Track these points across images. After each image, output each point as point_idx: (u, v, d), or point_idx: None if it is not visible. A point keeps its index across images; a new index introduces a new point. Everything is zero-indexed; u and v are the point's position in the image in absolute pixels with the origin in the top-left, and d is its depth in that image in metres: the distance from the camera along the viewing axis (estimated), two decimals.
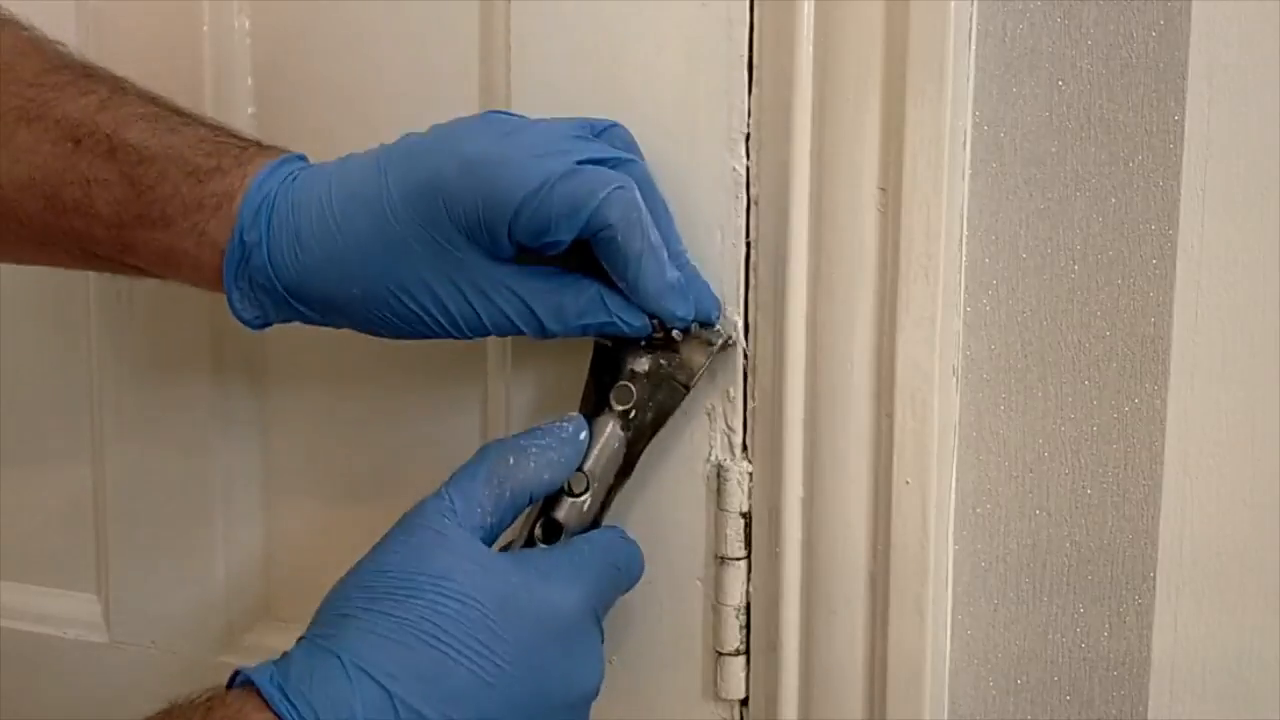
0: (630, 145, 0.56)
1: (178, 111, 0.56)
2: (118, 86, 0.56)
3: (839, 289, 0.56)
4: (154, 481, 0.73)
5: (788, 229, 0.56)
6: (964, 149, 0.54)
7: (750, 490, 0.59)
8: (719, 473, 0.59)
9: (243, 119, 0.67)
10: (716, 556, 0.60)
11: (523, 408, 0.63)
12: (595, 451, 0.56)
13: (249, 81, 0.67)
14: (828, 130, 0.55)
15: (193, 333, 0.70)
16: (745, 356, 0.59)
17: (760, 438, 0.59)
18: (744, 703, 0.61)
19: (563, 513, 0.55)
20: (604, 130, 0.55)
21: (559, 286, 0.53)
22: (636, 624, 0.61)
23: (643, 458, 0.57)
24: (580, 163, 0.51)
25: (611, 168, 0.53)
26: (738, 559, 0.60)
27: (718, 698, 0.61)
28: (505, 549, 0.55)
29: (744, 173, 0.58)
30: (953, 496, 0.56)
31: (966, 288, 0.55)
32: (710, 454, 0.60)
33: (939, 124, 0.53)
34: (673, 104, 0.58)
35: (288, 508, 0.71)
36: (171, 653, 0.74)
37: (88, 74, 0.56)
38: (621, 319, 0.54)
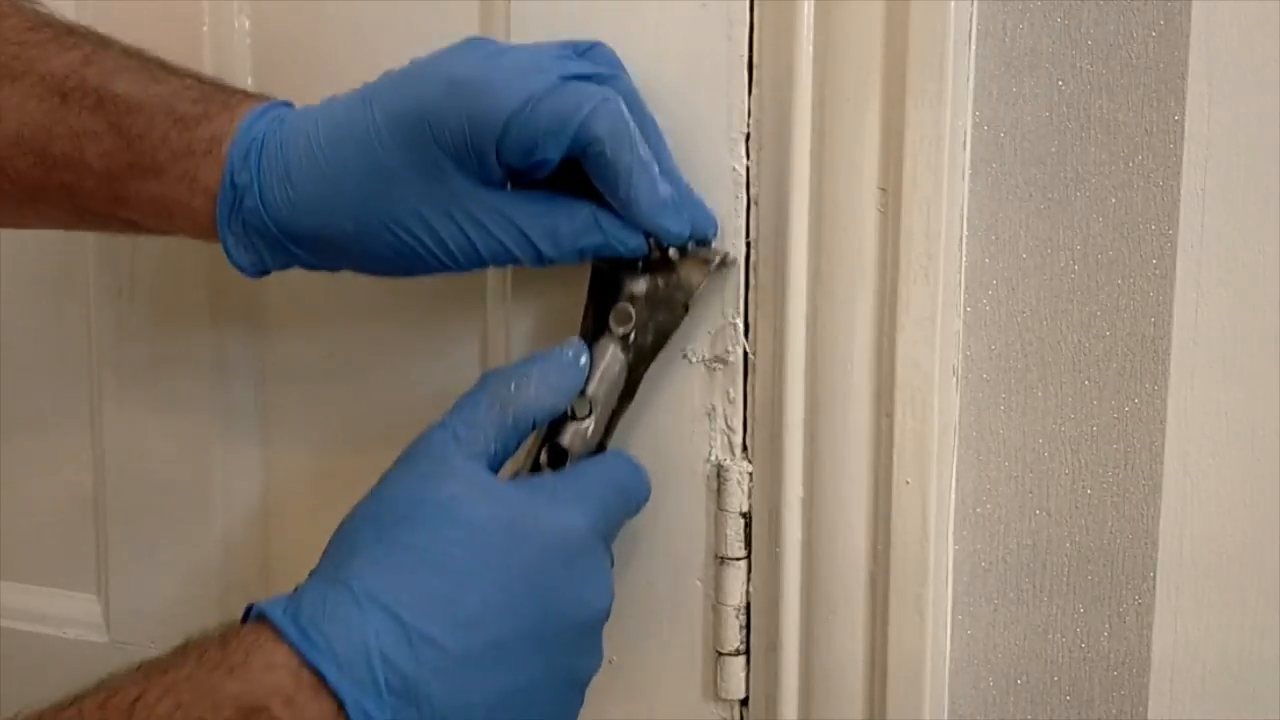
0: (614, 62, 0.56)
1: (162, 64, 0.56)
2: (101, 41, 0.56)
3: (839, 289, 0.56)
4: (154, 481, 0.73)
5: (788, 229, 0.56)
6: (964, 149, 0.54)
7: (750, 490, 0.59)
8: (719, 473, 0.59)
9: None
10: (716, 556, 0.60)
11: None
12: (597, 375, 0.55)
13: (249, 81, 0.67)
14: (828, 130, 0.55)
15: (194, 330, 0.70)
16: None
17: (760, 438, 0.59)
18: (744, 703, 0.61)
19: (567, 438, 0.55)
20: (588, 50, 0.55)
21: (552, 210, 0.53)
22: (636, 624, 0.61)
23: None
24: (565, 79, 0.51)
25: (598, 84, 0.52)
26: (738, 559, 0.60)
27: (718, 698, 0.61)
28: (511, 478, 0.55)
29: (744, 173, 0.58)
30: (953, 496, 0.57)
31: (966, 288, 0.55)
32: (710, 454, 0.60)
33: (939, 124, 0.53)
34: (673, 104, 0.58)
35: (288, 506, 0.71)
36: None
37: (70, 30, 0.56)
38: (617, 239, 0.53)
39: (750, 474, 0.59)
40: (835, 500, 0.57)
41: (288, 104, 0.56)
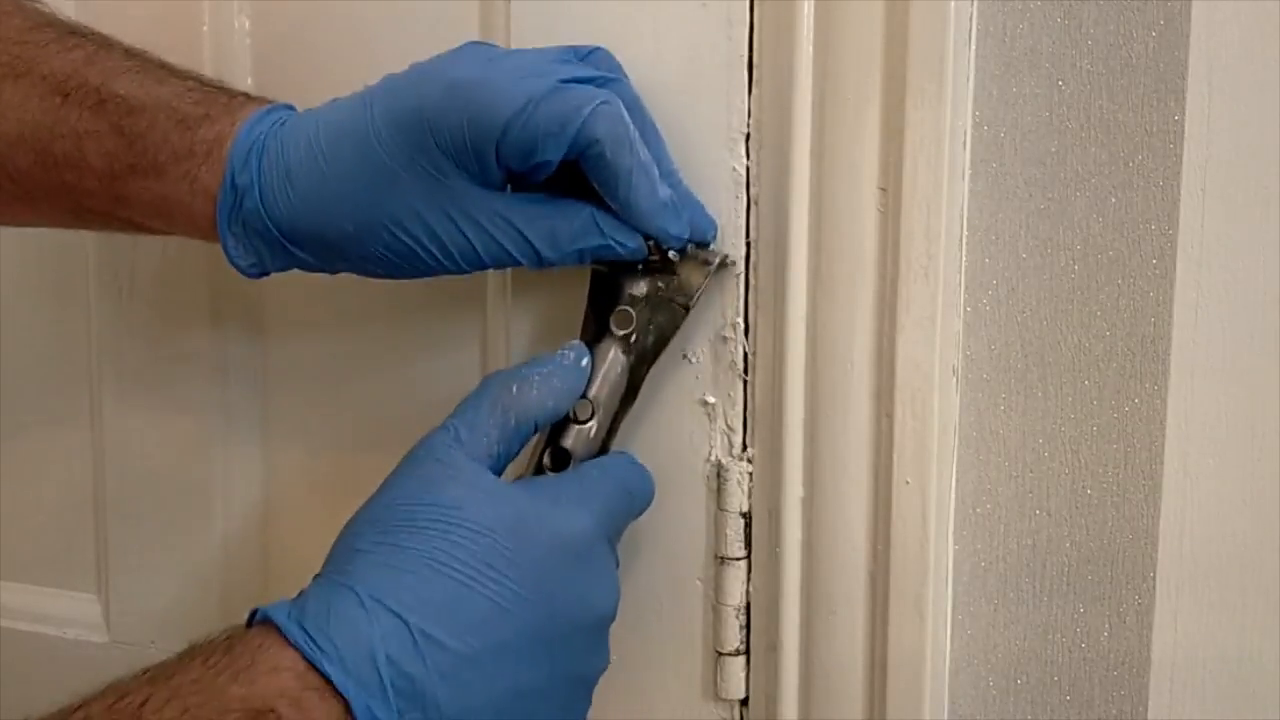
0: (615, 67, 0.56)
1: (164, 65, 0.56)
2: (103, 42, 0.56)
3: (839, 289, 0.56)
4: (154, 481, 0.73)
5: (788, 229, 0.56)
6: (964, 149, 0.54)
7: (750, 490, 0.59)
8: (719, 473, 0.59)
9: None
10: (716, 556, 0.60)
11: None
12: (598, 377, 0.55)
13: (249, 81, 0.67)
14: (828, 130, 0.55)
15: (194, 330, 0.70)
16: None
17: (760, 438, 0.59)
18: (744, 703, 0.61)
19: (570, 440, 0.55)
20: (588, 54, 0.55)
21: (551, 211, 0.53)
22: (636, 624, 0.61)
23: (644, 398, 0.57)
24: (565, 82, 0.51)
25: (598, 87, 0.52)
26: (738, 559, 0.60)
27: (718, 698, 0.61)
28: (515, 480, 0.55)
29: (744, 173, 0.58)
30: (953, 496, 0.56)
31: (966, 288, 0.55)
32: (710, 454, 0.60)
33: (939, 124, 0.53)
34: (673, 104, 0.58)
35: (288, 506, 0.71)
36: (171, 653, 0.73)
37: (72, 31, 0.56)
38: (616, 240, 0.53)
39: (750, 474, 0.59)
40: (835, 500, 0.57)
41: (289, 107, 0.56)
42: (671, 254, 0.55)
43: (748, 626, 0.60)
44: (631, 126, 0.52)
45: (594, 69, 0.54)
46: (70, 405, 0.75)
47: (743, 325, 0.59)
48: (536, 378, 0.54)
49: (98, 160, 0.54)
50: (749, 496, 0.59)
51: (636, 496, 0.56)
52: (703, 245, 0.56)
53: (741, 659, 0.60)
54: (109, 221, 0.57)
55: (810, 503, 0.58)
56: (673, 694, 0.62)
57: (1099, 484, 0.55)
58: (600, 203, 0.53)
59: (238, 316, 0.70)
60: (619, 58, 0.58)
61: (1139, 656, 0.55)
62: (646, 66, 0.58)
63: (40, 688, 0.77)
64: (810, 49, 0.55)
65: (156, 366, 0.72)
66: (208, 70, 0.67)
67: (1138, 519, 0.55)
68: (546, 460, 0.55)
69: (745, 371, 0.59)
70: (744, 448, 0.60)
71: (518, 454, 0.54)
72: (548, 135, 0.50)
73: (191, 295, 0.70)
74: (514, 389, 0.53)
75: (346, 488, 0.69)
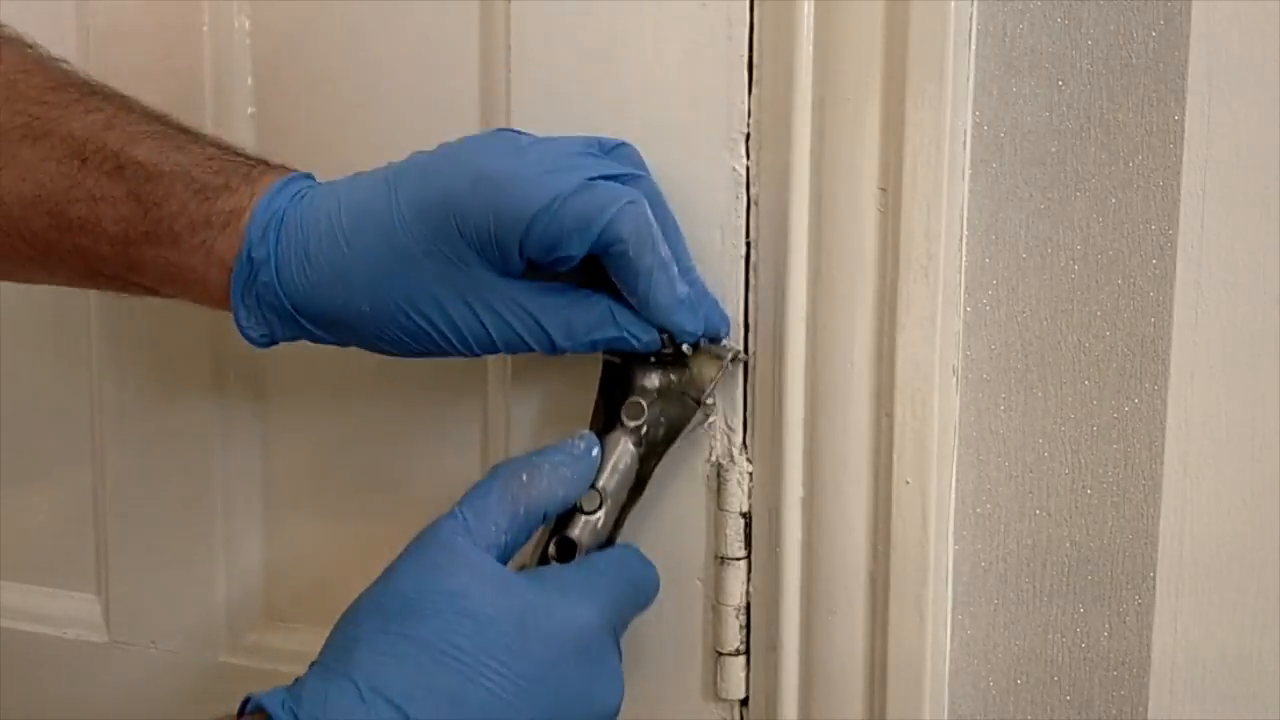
0: (639, 163, 0.56)
1: (184, 130, 0.56)
2: (123, 105, 0.56)
3: (839, 289, 0.56)
4: (154, 482, 0.72)
5: (788, 229, 0.56)
6: (964, 149, 0.54)
7: (750, 490, 0.59)
8: (719, 473, 0.59)
9: (243, 119, 0.67)
10: (716, 556, 0.60)
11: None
12: (608, 468, 0.55)
13: (249, 81, 0.67)
14: (828, 130, 0.55)
15: (194, 336, 0.70)
16: (746, 355, 0.59)
17: (760, 438, 0.59)
18: (744, 703, 0.61)
19: (577, 530, 0.55)
20: (613, 148, 0.55)
21: (569, 302, 0.53)
22: (637, 624, 0.60)
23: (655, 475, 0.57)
24: (591, 179, 0.51)
25: (622, 184, 0.53)
26: (738, 559, 0.60)
27: (718, 698, 0.61)
28: (520, 570, 0.55)
29: (744, 173, 0.58)
30: (953, 496, 0.56)
31: (966, 288, 0.55)
32: (710, 454, 0.60)
33: (939, 124, 0.53)
34: (673, 104, 0.58)
35: (288, 509, 0.71)
36: (171, 653, 0.74)
37: (93, 91, 0.56)
38: (631, 333, 0.54)
39: (750, 474, 0.59)
40: (835, 500, 0.57)
41: (309, 176, 0.56)
42: (685, 348, 0.55)
43: (748, 626, 0.60)
44: (655, 225, 0.52)
45: (619, 164, 0.54)
46: (70, 405, 0.75)
47: (743, 326, 0.59)
48: (547, 467, 0.53)
49: (113, 226, 0.54)
50: (749, 496, 0.59)
51: (642, 590, 0.55)
52: (715, 340, 0.56)
53: (741, 659, 0.60)
54: (120, 285, 0.57)
55: (810, 503, 0.58)
56: (673, 694, 0.62)
57: (1099, 484, 0.55)
58: (617, 295, 0.53)
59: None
60: (618, 58, 0.58)
61: (1139, 656, 0.55)
62: (646, 66, 0.58)
63: (40, 688, 0.77)
64: (810, 49, 0.55)
65: (157, 365, 0.72)
66: (207, 70, 0.67)
67: (1138, 519, 0.55)
68: (552, 550, 0.55)
69: (745, 371, 0.59)
70: (744, 448, 0.59)
71: (525, 544, 0.54)
72: (573, 232, 0.51)
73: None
74: (524, 477, 0.53)
75: (347, 490, 0.70)
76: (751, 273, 0.58)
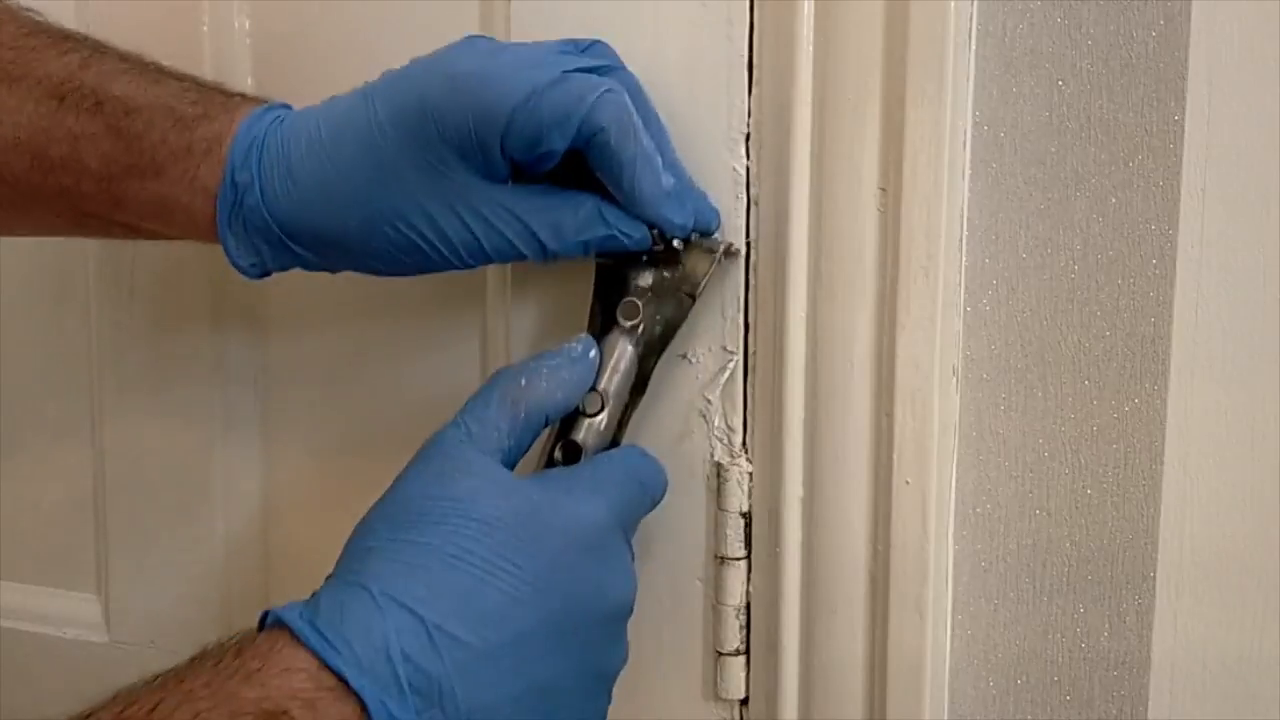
0: (614, 57, 0.56)
1: (160, 67, 0.56)
2: (98, 47, 0.56)
3: (839, 289, 0.56)
4: (154, 482, 0.73)
5: (788, 229, 0.56)
6: (964, 149, 0.54)
7: (750, 490, 0.59)
8: (719, 473, 0.59)
9: None
10: (716, 556, 0.60)
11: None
12: (607, 370, 0.55)
13: (249, 81, 0.67)
14: (828, 130, 0.55)
15: (193, 331, 0.70)
16: (747, 327, 0.58)
17: (760, 438, 0.59)
18: (744, 703, 0.61)
19: (580, 433, 0.55)
20: (588, 46, 0.55)
21: (556, 203, 0.53)
22: (636, 624, 0.60)
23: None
24: (568, 72, 0.51)
25: (600, 76, 0.52)
26: (738, 559, 0.60)
27: (718, 698, 0.61)
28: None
29: (744, 173, 0.58)
30: (953, 496, 0.56)
31: (966, 288, 0.55)
32: (710, 454, 0.60)
33: (939, 124, 0.53)
34: (673, 104, 0.58)
35: (288, 506, 0.71)
36: (171, 653, 0.73)
37: (66, 36, 0.56)
38: (621, 231, 0.53)
39: (750, 474, 0.59)
40: (835, 500, 0.57)
41: (287, 106, 0.56)
42: (676, 243, 0.54)
43: (748, 626, 0.60)
44: (635, 114, 0.52)
45: (594, 59, 0.54)
46: (70, 405, 0.75)
47: (743, 325, 0.59)
48: (545, 371, 0.54)
49: (95, 162, 0.54)
50: (749, 496, 0.59)
51: (649, 488, 0.55)
52: (706, 234, 0.56)
53: (741, 659, 0.60)
54: (107, 226, 0.57)
55: (810, 503, 0.58)
56: (673, 694, 0.62)
57: (1099, 484, 0.55)
58: (604, 194, 0.53)
59: (237, 318, 0.70)
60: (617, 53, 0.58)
61: (1139, 656, 0.55)
62: (646, 66, 0.58)
63: (40, 688, 0.77)
64: (810, 49, 0.55)
65: (157, 365, 0.72)
66: (207, 70, 0.67)
67: (1138, 519, 0.55)
68: (557, 454, 0.55)
69: (745, 371, 0.59)
70: (744, 448, 0.60)
71: (529, 448, 0.54)
72: (552, 124, 0.50)
73: (192, 298, 0.70)
74: (523, 382, 0.53)
75: (347, 487, 0.69)
76: (751, 273, 0.58)
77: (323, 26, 0.65)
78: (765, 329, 0.58)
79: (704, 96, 0.57)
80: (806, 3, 0.55)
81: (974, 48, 0.54)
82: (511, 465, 0.53)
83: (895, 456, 0.55)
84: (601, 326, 0.56)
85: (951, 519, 0.57)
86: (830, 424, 0.57)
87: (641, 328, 0.56)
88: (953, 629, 0.57)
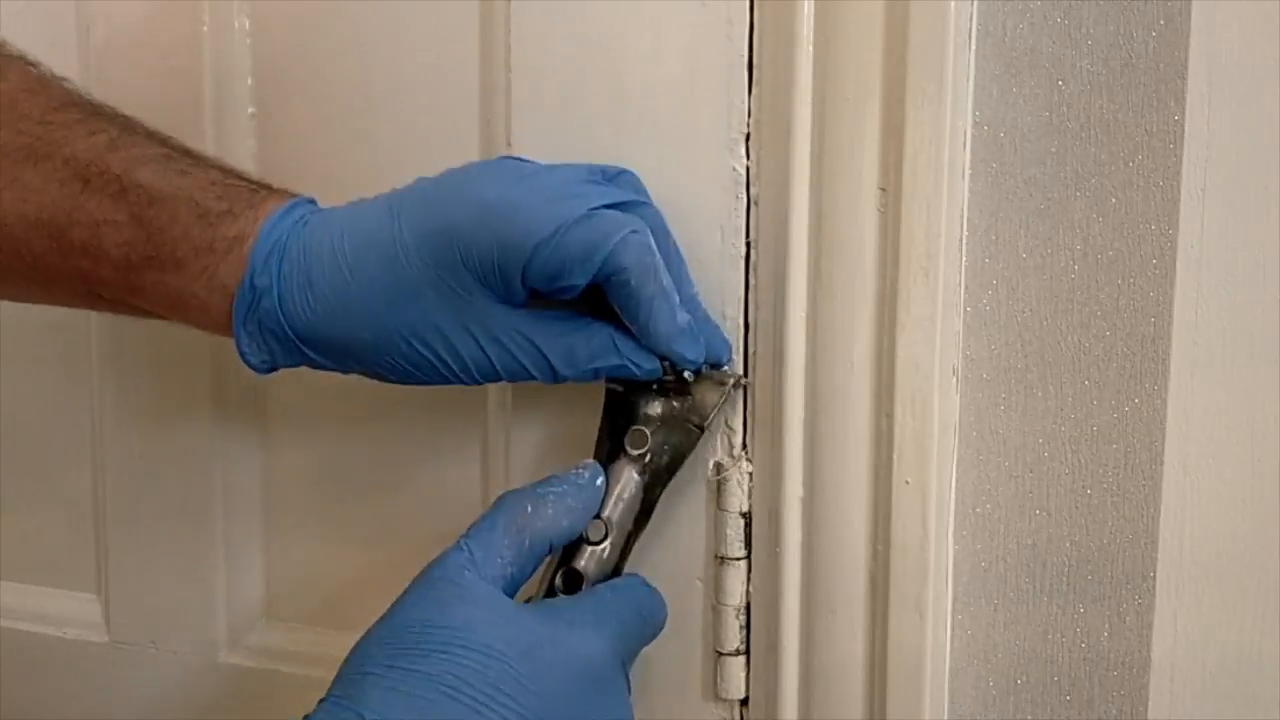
0: (641, 190, 0.56)
1: (188, 152, 0.56)
2: (127, 126, 0.56)
3: (839, 289, 0.56)
4: (154, 482, 0.72)
5: (788, 229, 0.56)
6: (964, 149, 0.54)
7: (750, 490, 0.59)
8: (719, 473, 0.59)
9: (243, 119, 0.67)
10: (716, 556, 0.60)
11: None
12: (613, 498, 0.55)
13: (249, 81, 0.67)
14: (828, 130, 0.55)
15: (196, 341, 0.70)
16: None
17: (760, 438, 0.59)
18: (744, 703, 0.61)
19: (583, 561, 0.55)
20: (615, 175, 0.56)
21: (570, 330, 0.53)
22: None
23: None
24: (594, 209, 0.52)
25: (625, 211, 0.53)
26: (738, 559, 0.60)
27: (718, 698, 0.61)
28: (526, 602, 0.54)
29: (744, 173, 0.58)
30: (953, 496, 0.56)
31: (966, 288, 0.55)
32: (710, 454, 0.60)
33: (939, 124, 0.53)
34: (673, 104, 0.58)
35: (288, 506, 0.71)
36: (171, 653, 0.74)
37: (96, 113, 0.56)
38: (633, 361, 0.54)
39: (750, 474, 0.59)
40: (835, 500, 0.57)
41: (311, 201, 0.56)
42: (687, 374, 0.55)
43: (748, 626, 0.60)
44: (657, 254, 0.52)
45: (621, 191, 0.54)
46: (71, 405, 0.75)
47: (743, 325, 0.59)
48: (552, 497, 0.53)
49: (115, 250, 0.54)
50: (749, 496, 0.59)
51: (650, 620, 0.55)
52: (716, 366, 0.56)
53: (741, 659, 0.60)
54: (120, 308, 0.57)
55: (810, 503, 0.58)
56: (673, 694, 0.62)
57: (1099, 484, 0.55)
58: (618, 323, 0.54)
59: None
60: (618, 58, 0.58)
61: (1139, 656, 0.55)
62: (646, 66, 0.58)
63: (40, 688, 0.77)
64: (810, 49, 0.55)
65: (157, 365, 0.72)
66: (208, 70, 0.67)
67: (1138, 519, 0.54)
68: (559, 582, 0.55)
69: (745, 372, 0.59)
70: (744, 448, 0.59)
71: (531, 575, 0.54)
72: (576, 261, 0.51)
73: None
74: (529, 508, 0.53)
75: (346, 495, 0.70)
76: (751, 273, 0.58)
77: (323, 27, 0.65)
78: (765, 329, 0.58)
79: (704, 96, 0.57)
80: (806, 3, 0.55)
81: (974, 48, 0.54)
82: (513, 593, 0.52)
83: (895, 456, 0.55)
84: (609, 453, 0.56)
85: (951, 519, 0.57)
86: (830, 424, 0.57)
87: (649, 457, 0.56)
88: (953, 629, 0.57)
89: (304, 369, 0.56)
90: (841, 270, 0.56)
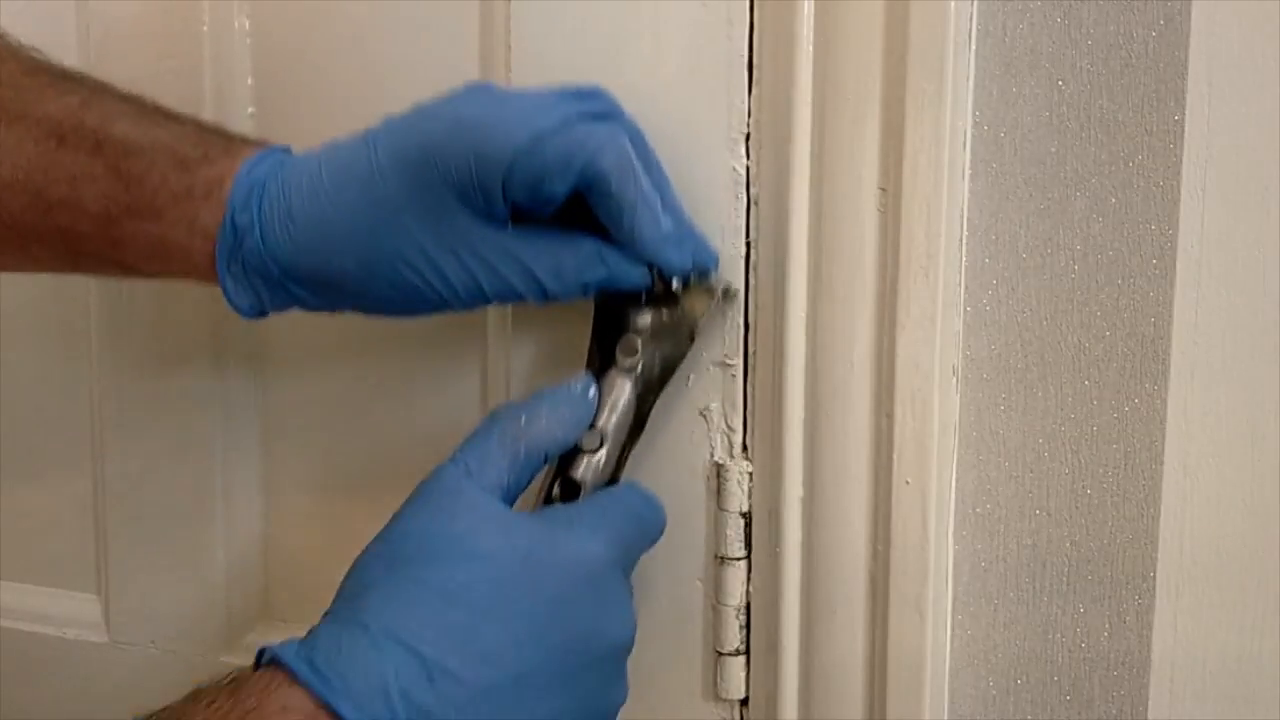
0: (615, 104, 0.56)
1: (161, 109, 0.56)
2: (98, 87, 0.56)
3: (839, 289, 0.56)
4: (154, 481, 0.73)
5: (788, 229, 0.56)
6: (964, 149, 0.54)
7: (750, 490, 0.59)
8: (719, 473, 0.60)
9: (243, 119, 0.67)
10: (716, 556, 0.60)
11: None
12: (606, 408, 0.55)
13: (249, 81, 0.67)
14: (828, 130, 0.55)
15: (193, 330, 0.70)
16: (747, 328, 0.59)
17: (760, 438, 0.59)
18: (744, 703, 0.61)
19: (579, 470, 0.55)
20: (588, 94, 0.55)
21: (556, 245, 0.53)
22: (637, 624, 0.61)
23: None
24: (570, 118, 0.51)
25: (601, 123, 0.53)
26: (738, 559, 0.60)
27: (718, 698, 0.61)
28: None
29: (744, 173, 0.58)
30: (953, 496, 0.57)
31: (966, 287, 0.55)
32: (710, 454, 0.60)
33: (939, 124, 0.53)
34: (673, 104, 0.58)
35: (288, 506, 0.71)
36: (171, 653, 0.74)
37: (65, 76, 0.56)
38: (621, 272, 0.53)
39: (750, 474, 0.59)
40: (835, 500, 0.57)
41: (287, 149, 0.56)
42: (675, 284, 0.55)
43: (748, 626, 0.60)
44: (636, 159, 0.52)
45: (598, 104, 0.54)
46: (71, 405, 0.75)
47: (743, 325, 0.59)
48: (545, 408, 0.53)
49: (94, 203, 0.54)
50: (749, 496, 0.59)
51: (648, 526, 0.55)
52: (704, 275, 0.56)
53: (741, 659, 0.60)
54: (103, 266, 0.57)
55: (810, 503, 0.58)
56: (673, 694, 0.62)
57: (1099, 484, 0.55)
58: (604, 235, 0.53)
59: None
60: (618, 58, 0.58)
61: (1139, 656, 0.55)
62: (646, 66, 0.58)
63: (40, 688, 0.77)
64: (810, 49, 0.55)
65: (157, 364, 0.72)
66: (208, 70, 0.67)
67: (1138, 519, 0.55)
68: (556, 491, 0.55)
69: (745, 372, 0.59)
70: (744, 448, 0.60)
71: (528, 485, 0.54)
72: (555, 169, 0.50)
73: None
74: (523, 420, 0.53)
75: (347, 476, 0.70)
76: (751, 273, 0.58)
77: (323, 26, 0.65)
78: (765, 329, 0.58)
79: (704, 96, 0.57)
80: (806, 3, 0.55)
81: (974, 48, 0.54)
82: (510, 502, 0.53)
83: (895, 456, 0.55)
84: (600, 365, 0.56)
85: (951, 519, 0.57)
86: (830, 424, 0.57)
87: (640, 366, 0.56)
88: (953, 629, 0.57)
89: (299, 322, 0.55)
90: (841, 270, 0.56)
